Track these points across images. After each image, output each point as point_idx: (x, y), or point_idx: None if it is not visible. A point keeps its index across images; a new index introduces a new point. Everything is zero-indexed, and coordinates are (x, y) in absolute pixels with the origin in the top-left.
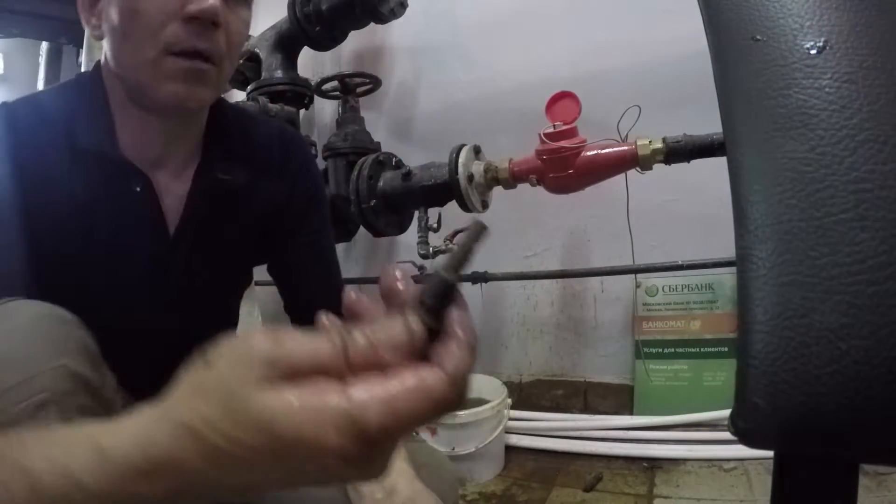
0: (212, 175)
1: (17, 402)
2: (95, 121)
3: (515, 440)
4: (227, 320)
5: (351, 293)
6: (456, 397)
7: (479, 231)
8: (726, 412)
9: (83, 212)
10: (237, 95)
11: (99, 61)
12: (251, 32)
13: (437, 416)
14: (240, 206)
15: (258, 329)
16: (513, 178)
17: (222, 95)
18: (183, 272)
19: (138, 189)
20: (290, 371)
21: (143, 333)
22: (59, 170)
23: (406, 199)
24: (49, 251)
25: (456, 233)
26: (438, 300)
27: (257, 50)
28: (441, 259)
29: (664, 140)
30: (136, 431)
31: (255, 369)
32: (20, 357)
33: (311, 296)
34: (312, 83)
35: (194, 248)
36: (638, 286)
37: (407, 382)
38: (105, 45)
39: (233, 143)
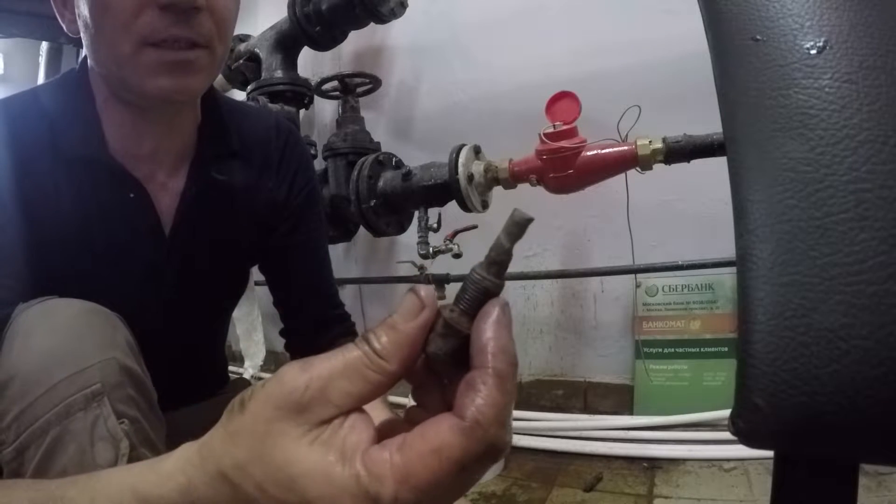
0: (206, 173)
1: (70, 393)
2: (81, 124)
3: (515, 440)
4: (223, 319)
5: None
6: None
7: (522, 224)
8: (726, 412)
9: (76, 221)
10: (237, 95)
11: (86, 57)
12: (251, 32)
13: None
14: (236, 204)
15: (290, 366)
16: (513, 178)
17: (221, 95)
18: (179, 273)
19: (132, 195)
20: (321, 396)
21: (139, 333)
22: (47, 179)
23: (406, 199)
24: (44, 260)
25: (456, 233)
26: (474, 304)
27: (257, 50)
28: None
29: (664, 140)
30: (179, 480)
31: (285, 410)
32: (71, 350)
33: (303, 294)
34: (312, 83)
35: (190, 247)
36: (638, 286)
37: (418, 446)
38: (82, 40)
39: (228, 137)
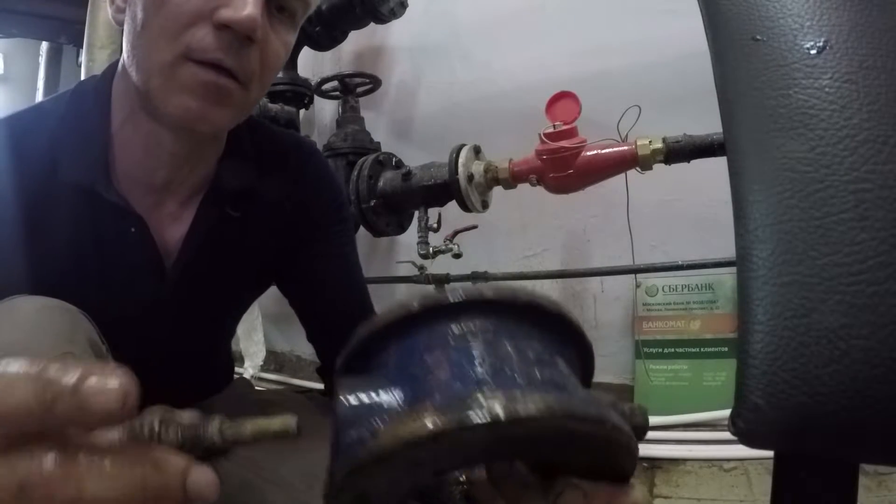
0: (220, 209)
1: None
2: (86, 147)
3: None
4: (229, 333)
5: None
6: None
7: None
8: (726, 412)
9: (73, 253)
10: None
11: (115, 62)
12: None
13: None
14: (251, 237)
15: None
16: (513, 178)
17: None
18: (183, 305)
19: (133, 230)
20: None
21: (138, 358)
22: (43, 206)
23: (406, 199)
24: (39, 290)
25: (456, 233)
26: None
27: None
28: None
29: (664, 140)
30: None
31: None
32: (27, 345)
33: (342, 319)
34: (312, 83)
35: (196, 281)
36: (638, 286)
37: None
38: (124, 34)
39: (249, 171)
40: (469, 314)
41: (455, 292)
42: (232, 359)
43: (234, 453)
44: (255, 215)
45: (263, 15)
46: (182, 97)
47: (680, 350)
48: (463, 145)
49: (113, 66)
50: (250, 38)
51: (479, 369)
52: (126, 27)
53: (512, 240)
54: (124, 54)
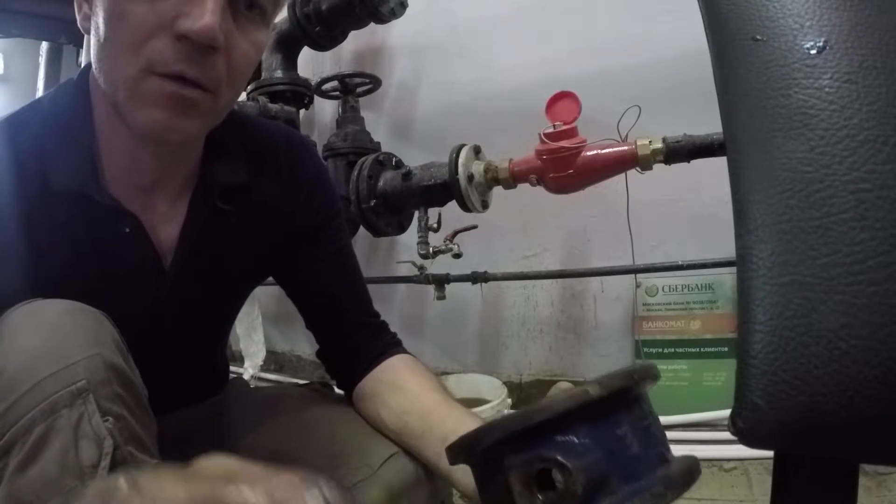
0: (210, 203)
1: (56, 390)
2: (74, 151)
3: None
4: (226, 332)
5: None
6: None
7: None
8: (726, 412)
9: (70, 258)
10: None
11: (89, 64)
12: None
13: None
14: (244, 231)
15: None
16: (513, 178)
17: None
18: (182, 304)
19: (127, 230)
20: None
21: (141, 359)
22: (39, 213)
23: (406, 199)
24: (36, 296)
25: (456, 233)
26: None
27: None
28: None
29: (664, 140)
30: None
31: None
32: (57, 347)
33: (342, 309)
34: (312, 83)
35: (194, 279)
36: (638, 286)
37: None
38: (91, 45)
39: (236, 165)
40: (640, 394)
41: (626, 376)
42: (227, 360)
43: (252, 445)
44: (249, 210)
45: (227, 19)
46: (148, 110)
47: (680, 350)
48: (463, 145)
49: (89, 66)
50: (212, 47)
51: (660, 447)
52: (91, 37)
53: (512, 240)
54: (92, 64)
